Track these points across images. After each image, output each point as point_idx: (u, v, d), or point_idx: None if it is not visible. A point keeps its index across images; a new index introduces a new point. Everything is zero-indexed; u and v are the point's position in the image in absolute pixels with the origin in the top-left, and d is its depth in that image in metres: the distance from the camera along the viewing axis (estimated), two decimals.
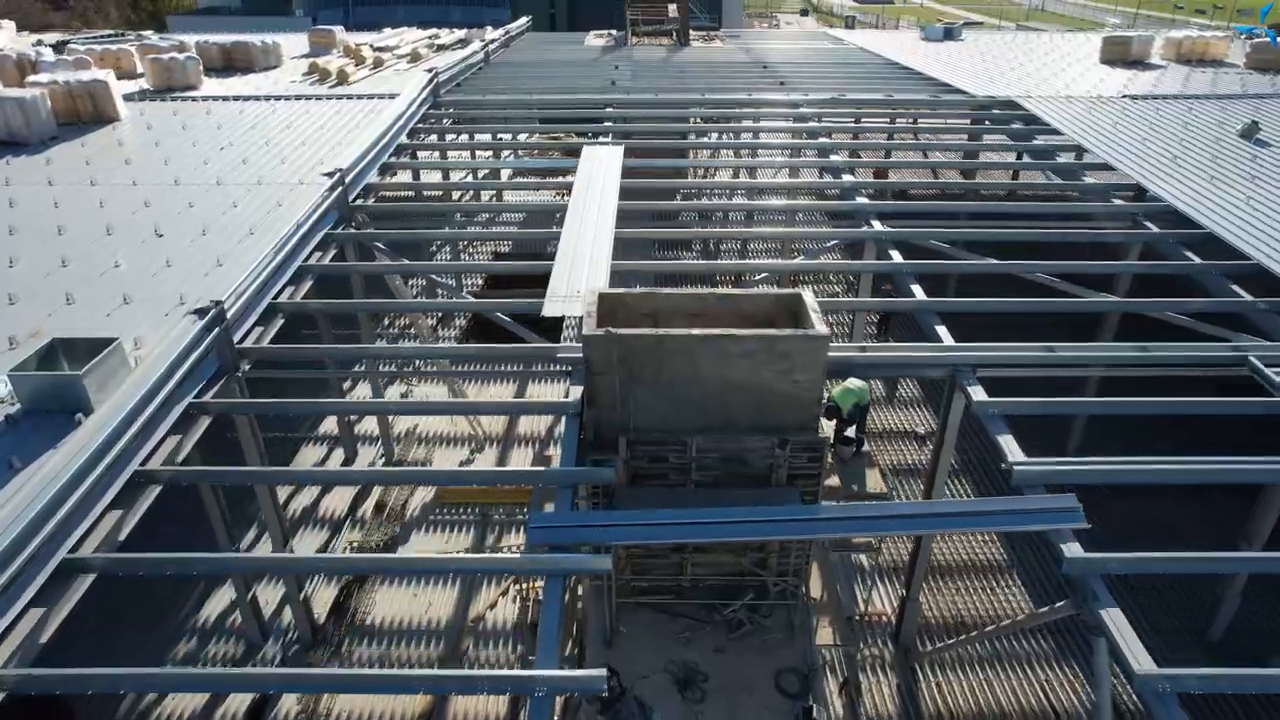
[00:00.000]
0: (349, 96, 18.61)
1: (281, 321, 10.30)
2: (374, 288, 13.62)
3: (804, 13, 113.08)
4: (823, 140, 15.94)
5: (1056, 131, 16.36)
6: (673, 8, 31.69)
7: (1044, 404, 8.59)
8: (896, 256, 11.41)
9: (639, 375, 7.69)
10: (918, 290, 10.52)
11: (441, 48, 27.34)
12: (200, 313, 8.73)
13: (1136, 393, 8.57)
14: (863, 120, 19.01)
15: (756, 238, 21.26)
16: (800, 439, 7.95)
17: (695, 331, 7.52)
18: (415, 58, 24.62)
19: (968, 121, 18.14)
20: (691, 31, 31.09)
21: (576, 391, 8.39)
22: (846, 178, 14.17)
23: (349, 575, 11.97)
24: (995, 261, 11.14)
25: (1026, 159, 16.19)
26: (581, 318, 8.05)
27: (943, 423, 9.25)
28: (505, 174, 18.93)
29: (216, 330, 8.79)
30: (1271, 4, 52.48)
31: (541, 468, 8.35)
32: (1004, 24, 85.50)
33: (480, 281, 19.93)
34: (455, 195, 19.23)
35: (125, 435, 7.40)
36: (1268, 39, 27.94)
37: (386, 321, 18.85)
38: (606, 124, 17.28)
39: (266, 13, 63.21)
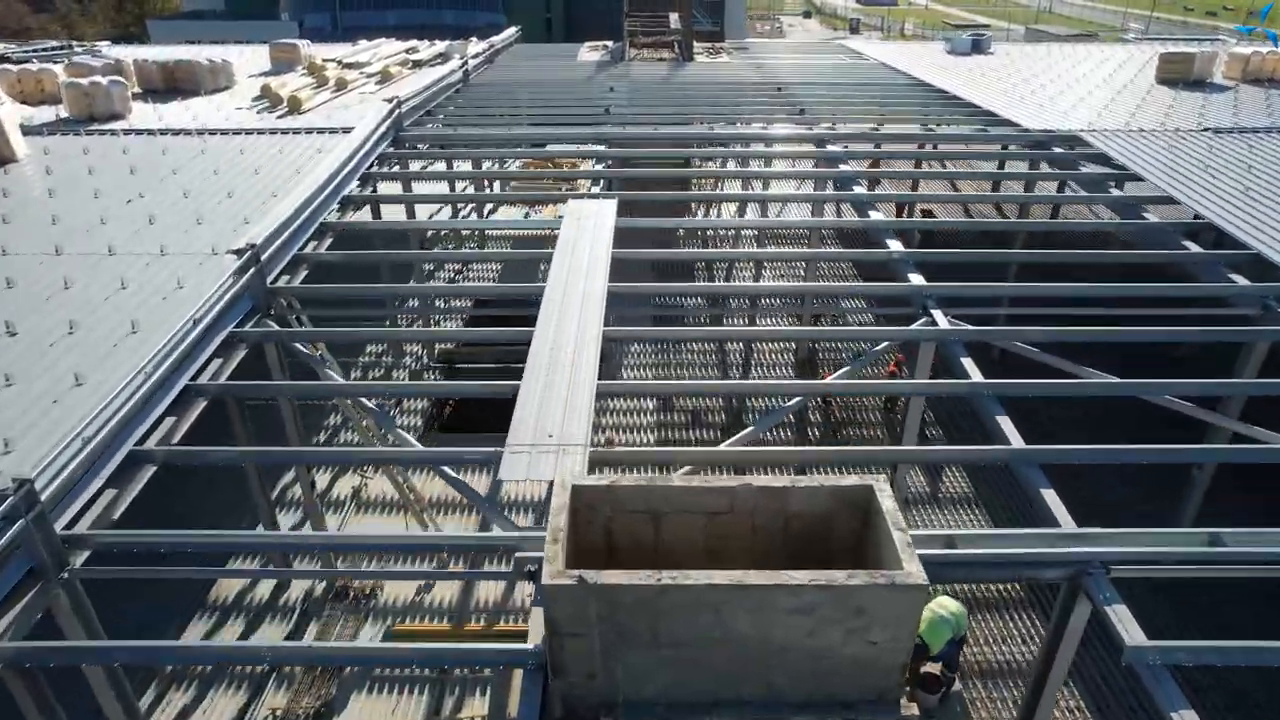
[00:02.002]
0: (297, 130, 15.84)
1: (152, 471, 7.61)
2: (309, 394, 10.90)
3: (806, 14, 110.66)
4: (858, 191, 13.15)
5: (1137, 177, 13.60)
6: (674, 17, 29.00)
7: (1249, 652, 5.77)
8: (972, 370, 8.63)
9: (631, 633, 4.99)
10: (1008, 428, 7.77)
11: (418, 64, 24.58)
12: None
13: None
14: (900, 164, 16.21)
15: (784, 338, 17.51)
16: (875, 718, 5.26)
17: (719, 580, 4.80)
18: (386, 77, 21.88)
19: (1025, 164, 15.31)
20: (695, 43, 28.27)
21: (539, 624, 5.68)
22: (893, 245, 11.36)
23: None
24: (1116, 380, 8.37)
25: (1105, 213, 13.35)
26: (547, 524, 5.35)
27: (1051, 644, 6.50)
28: (474, 233, 16.03)
29: (20, 523, 6.07)
30: (1272, 4, 49.89)
31: None
32: (1011, 27, 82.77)
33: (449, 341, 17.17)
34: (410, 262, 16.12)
35: None
36: (1268, 39, 25.42)
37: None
38: (597, 166, 14.56)
39: (252, 16, 60.39)
